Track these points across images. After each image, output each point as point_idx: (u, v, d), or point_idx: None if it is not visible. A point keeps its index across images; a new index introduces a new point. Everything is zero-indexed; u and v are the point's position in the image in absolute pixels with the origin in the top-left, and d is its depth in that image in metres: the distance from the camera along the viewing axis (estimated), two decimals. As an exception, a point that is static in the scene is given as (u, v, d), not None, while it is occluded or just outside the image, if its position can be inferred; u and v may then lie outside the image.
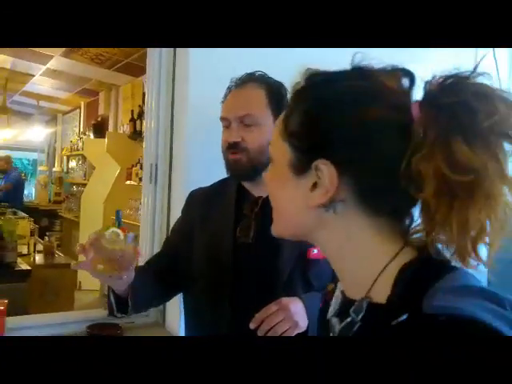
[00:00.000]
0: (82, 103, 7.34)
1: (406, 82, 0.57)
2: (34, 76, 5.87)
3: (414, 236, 0.58)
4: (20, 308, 2.37)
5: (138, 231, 1.86)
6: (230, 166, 1.23)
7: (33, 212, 5.77)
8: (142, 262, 1.46)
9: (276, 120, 1.20)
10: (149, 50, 1.85)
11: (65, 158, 7.90)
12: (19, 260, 3.12)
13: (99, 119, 6.27)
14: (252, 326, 1.02)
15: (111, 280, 1.08)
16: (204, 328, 1.25)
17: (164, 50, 1.79)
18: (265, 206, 1.21)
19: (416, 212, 0.58)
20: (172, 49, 1.78)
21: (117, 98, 6.06)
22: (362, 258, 0.59)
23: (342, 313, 0.62)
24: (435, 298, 0.49)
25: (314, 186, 0.57)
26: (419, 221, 0.57)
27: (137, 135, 4.67)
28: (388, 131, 0.55)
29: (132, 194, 4.52)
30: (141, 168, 4.21)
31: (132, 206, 4.35)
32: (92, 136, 6.15)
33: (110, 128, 6.03)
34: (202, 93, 1.66)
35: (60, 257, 3.72)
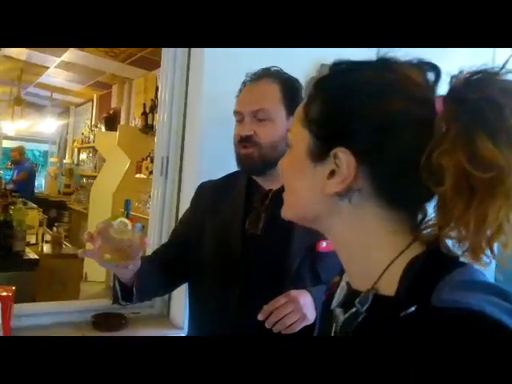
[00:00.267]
0: (95, 96, 7.39)
1: (431, 76, 0.57)
2: (48, 68, 5.92)
3: (425, 231, 0.58)
4: (27, 296, 2.40)
5: (145, 224, 1.87)
6: (241, 160, 1.23)
7: (42, 203, 5.81)
8: (148, 252, 1.47)
9: (289, 115, 1.22)
10: (163, 43, 1.86)
11: (76, 150, 7.96)
12: (27, 249, 3.15)
13: (111, 112, 6.31)
14: (261, 317, 1.03)
15: (117, 269, 1.08)
16: (210, 319, 1.25)
17: (179, 43, 1.80)
18: (275, 198, 1.21)
19: (429, 207, 0.58)
20: (187, 42, 1.79)
21: (129, 91, 6.08)
22: (371, 249, 0.59)
23: (346, 304, 0.62)
24: (444, 292, 0.49)
25: (331, 174, 0.57)
26: (431, 216, 0.57)
27: (148, 129, 4.69)
28: (409, 124, 0.55)
29: (141, 187, 4.54)
30: (151, 162, 4.23)
31: (141, 199, 4.38)
32: (103, 129, 6.18)
33: (122, 121, 6.06)
34: (216, 87, 1.66)
35: (67, 247, 3.74)
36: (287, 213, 0.65)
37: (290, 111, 1.22)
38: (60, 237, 3.75)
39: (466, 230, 0.51)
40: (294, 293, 1.06)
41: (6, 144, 9.21)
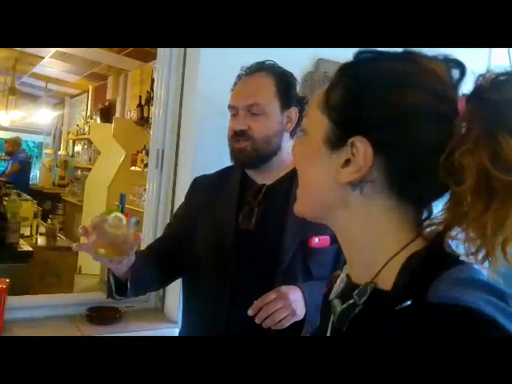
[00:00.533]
0: (90, 87, 7.34)
1: (455, 73, 0.56)
2: (43, 58, 5.86)
3: (428, 229, 0.58)
4: (21, 288, 2.39)
5: (140, 217, 1.87)
6: (234, 153, 1.23)
7: (36, 195, 5.77)
8: (143, 246, 1.46)
9: (283, 109, 1.22)
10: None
11: (71, 141, 7.91)
12: (21, 241, 3.14)
13: (106, 104, 6.27)
14: (250, 312, 1.04)
15: (111, 264, 1.08)
16: (202, 314, 1.26)
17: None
18: (268, 193, 1.22)
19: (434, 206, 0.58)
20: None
21: (125, 83, 6.04)
22: (375, 242, 0.59)
23: (344, 295, 0.63)
24: (441, 288, 0.49)
25: (347, 162, 0.57)
26: (438, 214, 0.57)
27: (143, 121, 4.67)
28: (430, 119, 0.54)
29: (136, 179, 4.52)
30: (146, 154, 4.22)
31: (136, 192, 4.36)
32: (98, 120, 6.15)
33: (117, 113, 6.03)
34: (211, 81, 1.65)
35: (62, 240, 3.73)
36: (299, 208, 0.65)
37: (284, 105, 1.22)
38: (54, 229, 3.74)
39: (482, 230, 0.51)
40: (284, 289, 1.07)
41: (1, 135, 9.15)
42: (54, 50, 5.37)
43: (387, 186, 0.57)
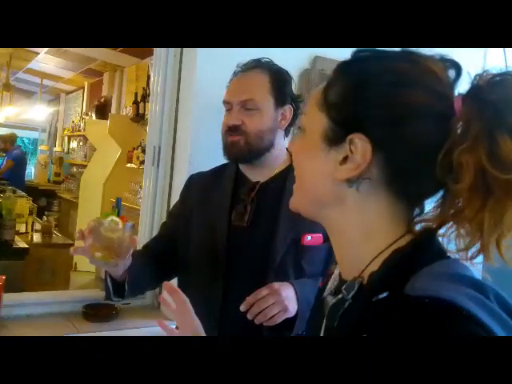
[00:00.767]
0: (86, 83, 7.30)
1: (452, 73, 0.57)
2: (38, 54, 5.83)
3: (418, 225, 0.58)
4: (16, 285, 2.38)
5: (136, 214, 1.87)
6: (227, 147, 1.24)
7: (32, 191, 5.75)
8: (140, 245, 1.46)
9: (277, 106, 1.22)
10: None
11: (66, 138, 7.88)
12: (17, 238, 3.13)
13: (102, 100, 6.24)
14: (243, 308, 1.04)
15: (108, 266, 1.10)
16: (196, 311, 1.26)
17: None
18: (261, 191, 1.22)
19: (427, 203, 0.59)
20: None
21: (121, 79, 6.02)
22: (366, 239, 0.59)
23: (336, 292, 0.63)
24: (418, 281, 0.50)
25: (345, 159, 0.57)
26: (428, 211, 0.58)
27: (139, 118, 4.65)
28: (427, 117, 0.55)
29: (132, 176, 4.51)
30: (142, 151, 4.20)
31: (132, 189, 4.35)
32: (94, 117, 6.12)
33: (113, 110, 6.00)
34: (208, 77, 1.65)
35: (57, 237, 3.72)
36: (295, 202, 0.65)
37: (279, 102, 1.23)
38: (50, 226, 3.73)
39: (477, 228, 0.51)
40: (276, 285, 1.08)
41: (-4, 131, 9.10)
42: (49, 45, 5.34)
43: (384, 183, 0.57)
